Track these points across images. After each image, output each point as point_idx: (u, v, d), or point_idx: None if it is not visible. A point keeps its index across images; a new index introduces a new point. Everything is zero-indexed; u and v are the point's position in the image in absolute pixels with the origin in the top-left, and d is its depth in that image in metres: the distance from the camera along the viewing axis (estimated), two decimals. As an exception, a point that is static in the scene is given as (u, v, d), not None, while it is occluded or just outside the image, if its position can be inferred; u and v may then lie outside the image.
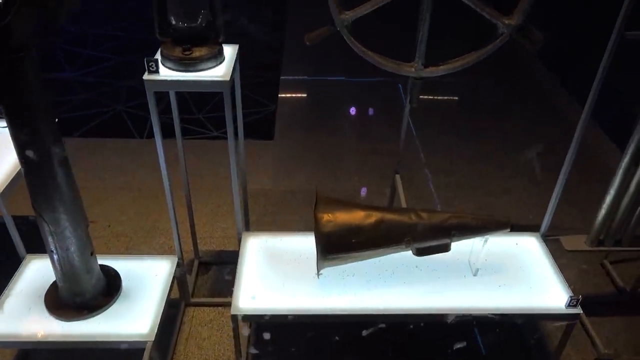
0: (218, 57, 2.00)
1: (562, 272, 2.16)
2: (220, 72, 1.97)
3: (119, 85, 4.68)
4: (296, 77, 5.02)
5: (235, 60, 2.07)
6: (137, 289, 2.09)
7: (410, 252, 2.03)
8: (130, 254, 2.88)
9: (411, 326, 2.42)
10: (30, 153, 1.60)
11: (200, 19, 1.91)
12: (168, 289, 2.11)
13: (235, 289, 2.03)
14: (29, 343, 1.92)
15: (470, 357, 2.44)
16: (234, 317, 1.95)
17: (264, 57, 5.28)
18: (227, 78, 1.93)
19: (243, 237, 2.29)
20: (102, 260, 2.10)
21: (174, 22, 1.91)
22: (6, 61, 1.44)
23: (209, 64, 1.97)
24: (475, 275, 2.12)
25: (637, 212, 2.51)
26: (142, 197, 3.34)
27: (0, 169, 2.15)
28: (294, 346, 2.43)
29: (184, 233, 2.67)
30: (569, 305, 1.98)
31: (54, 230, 1.76)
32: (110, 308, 2.00)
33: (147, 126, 4.06)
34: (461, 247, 2.08)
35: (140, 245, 2.97)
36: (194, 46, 1.94)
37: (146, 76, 1.90)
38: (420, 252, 2.01)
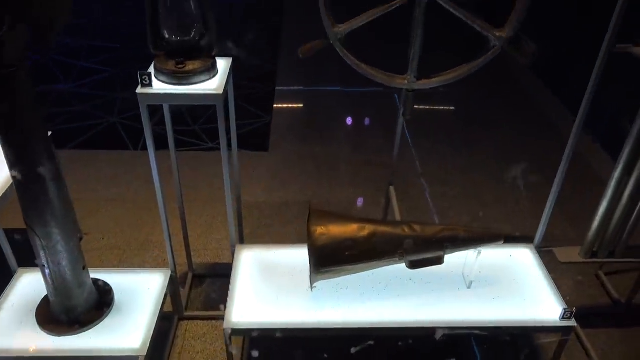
0: (211, 70, 2.00)
1: (556, 284, 2.16)
2: (213, 85, 1.97)
3: (113, 97, 4.68)
4: (291, 88, 5.03)
5: (229, 74, 2.07)
6: (129, 302, 2.07)
7: (404, 265, 2.02)
8: (123, 266, 2.86)
9: (400, 343, 2.40)
10: (15, 173, 1.59)
11: (193, 33, 1.92)
12: (161, 302, 2.09)
13: (228, 303, 2.02)
14: (20, 359, 1.89)
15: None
16: (227, 331, 1.94)
17: (259, 69, 5.30)
18: (220, 91, 1.94)
19: (237, 250, 2.28)
20: (95, 274, 2.08)
21: (167, 36, 1.92)
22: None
23: (202, 77, 1.97)
24: (469, 287, 2.12)
25: (630, 223, 2.52)
26: (136, 209, 3.33)
27: (-9, 183, 2.13)
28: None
29: (178, 245, 2.66)
30: (563, 317, 1.97)
31: (46, 244, 1.74)
32: (103, 322, 1.98)
33: (141, 138, 4.05)
34: (455, 259, 2.07)
35: (133, 258, 2.96)
36: (188, 59, 1.95)
37: (139, 90, 1.90)
38: (413, 265, 2.01)
